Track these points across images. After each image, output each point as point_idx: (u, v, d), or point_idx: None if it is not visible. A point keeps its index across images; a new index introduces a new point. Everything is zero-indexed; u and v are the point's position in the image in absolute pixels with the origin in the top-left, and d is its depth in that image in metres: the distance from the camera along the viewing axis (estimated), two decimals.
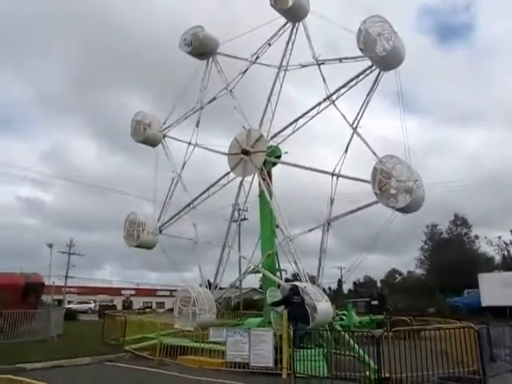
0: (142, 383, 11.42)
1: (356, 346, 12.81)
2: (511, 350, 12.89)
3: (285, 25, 18.40)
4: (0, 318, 17.94)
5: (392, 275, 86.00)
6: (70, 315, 31.47)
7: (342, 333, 13.87)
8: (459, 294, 41.90)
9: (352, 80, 16.30)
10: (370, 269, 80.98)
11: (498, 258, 63.59)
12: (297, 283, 14.74)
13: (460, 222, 64.88)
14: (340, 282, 72.58)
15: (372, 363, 11.32)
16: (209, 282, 18.91)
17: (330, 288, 77.44)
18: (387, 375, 10.58)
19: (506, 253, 62.35)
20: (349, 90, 16.61)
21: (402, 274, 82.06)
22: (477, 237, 64.40)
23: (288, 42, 18.27)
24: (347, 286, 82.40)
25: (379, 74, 15.69)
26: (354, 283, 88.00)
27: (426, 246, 66.00)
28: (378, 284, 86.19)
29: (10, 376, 9.66)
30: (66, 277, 62.31)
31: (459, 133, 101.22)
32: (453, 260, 55.97)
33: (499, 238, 61.96)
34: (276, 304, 14.44)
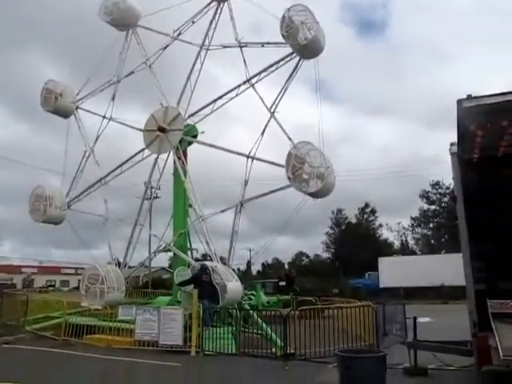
0: (41, 365, 10.95)
1: (263, 324, 13.26)
2: (401, 325, 14.08)
3: (210, 3, 18.16)
4: None
5: (299, 258, 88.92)
6: None
7: (251, 312, 14.28)
8: (362, 276, 44.71)
9: (272, 65, 16.55)
10: (278, 251, 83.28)
11: (397, 244, 68.48)
12: (207, 263, 14.93)
13: (369, 210, 68.68)
14: (249, 264, 74.06)
15: (278, 340, 11.84)
16: (118, 260, 18.52)
17: (239, 269, 78.54)
18: (292, 351, 11.13)
19: (403, 238, 67.38)
20: (269, 74, 16.88)
21: (309, 257, 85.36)
22: (380, 225, 68.76)
23: (212, 22, 18.07)
24: (256, 268, 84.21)
25: (299, 61, 16.09)
26: (263, 264, 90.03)
27: (332, 231, 69.20)
28: (286, 266, 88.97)
29: None
30: None
31: (371, 123, 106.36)
32: (357, 245, 59.38)
33: (399, 223, 66.73)
34: (184, 283, 14.55)
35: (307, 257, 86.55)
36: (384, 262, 40.67)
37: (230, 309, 13.72)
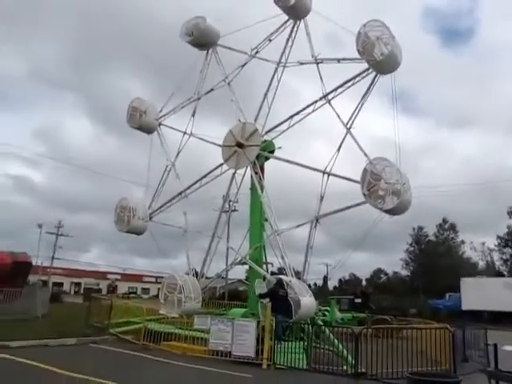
0: (125, 366, 11.63)
1: (336, 341, 13.14)
2: (483, 351, 13.30)
3: (286, 22, 18.59)
4: None
5: (377, 275, 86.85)
6: (55, 297, 31.64)
7: (323, 328, 14.19)
8: (442, 296, 42.66)
9: (349, 81, 16.54)
10: (355, 267, 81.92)
11: (481, 264, 64.63)
12: (282, 277, 15.04)
13: (448, 226, 65.61)
14: (325, 279, 73.29)
15: (350, 358, 11.68)
16: (196, 270, 19.17)
17: (315, 284, 78.32)
18: (363, 370, 10.95)
19: (489, 259, 63.40)
20: (345, 90, 16.87)
21: (388, 274, 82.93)
22: (463, 242, 65.32)
23: (288, 39, 18.47)
24: (332, 283, 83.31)
25: (375, 77, 15.97)
26: (340, 280, 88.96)
27: (412, 248, 66.77)
28: (364, 282, 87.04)
29: None
30: (53, 258, 62.14)
31: (454, 136, 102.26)
32: (438, 263, 56.81)
33: (483, 244, 62.91)
34: (263, 296, 14.70)
35: (385, 274, 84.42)
36: (467, 283, 38.54)
37: (302, 323, 13.73)
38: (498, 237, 62.27)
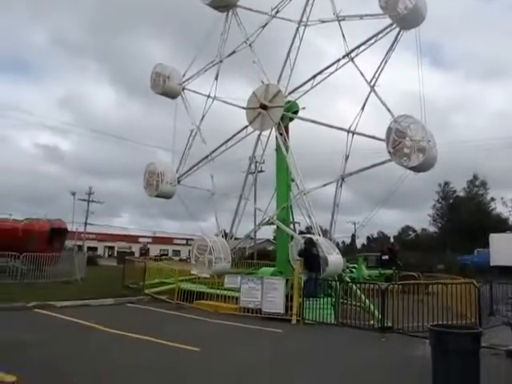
0: (162, 323, 12.30)
1: (363, 296, 13.50)
2: (511, 306, 13.48)
3: None
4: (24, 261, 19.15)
5: (406, 232, 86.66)
6: (91, 260, 32.87)
7: (351, 284, 14.56)
8: (470, 252, 42.50)
9: (371, 38, 16.20)
10: (384, 225, 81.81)
11: None
12: (310, 236, 15.36)
13: (479, 183, 64.45)
14: (353, 237, 73.60)
15: (376, 313, 12.05)
16: (225, 231, 19.66)
17: (343, 242, 78.88)
18: (390, 324, 11.31)
19: None
20: (368, 47, 16.57)
21: (416, 231, 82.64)
22: (493, 199, 64.18)
23: None
24: (361, 241, 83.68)
25: (399, 32, 15.60)
26: (368, 238, 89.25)
27: (440, 205, 66.00)
28: (392, 240, 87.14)
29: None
30: (86, 223, 64.22)
31: (487, 89, 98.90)
32: (466, 219, 56.22)
33: None
34: (299, 254, 14.82)
35: (414, 231, 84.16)
36: (496, 239, 38.19)
37: (330, 281, 14.12)
38: None
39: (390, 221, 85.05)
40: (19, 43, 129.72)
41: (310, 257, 14.17)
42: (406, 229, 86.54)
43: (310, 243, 14.60)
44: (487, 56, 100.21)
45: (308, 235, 15.89)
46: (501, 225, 58.19)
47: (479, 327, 7.98)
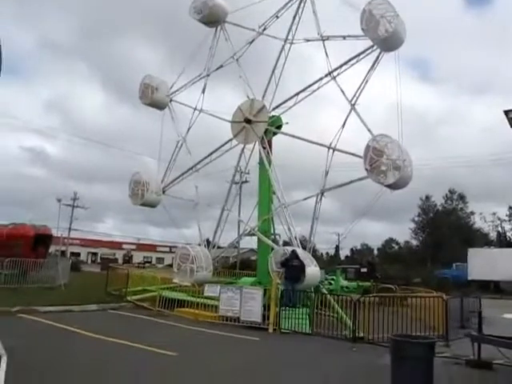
0: (143, 330, 12.66)
1: (338, 307, 14.02)
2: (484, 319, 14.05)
3: None
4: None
5: (389, 244, 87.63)
6: (75, 266, 33.01)
7: (327, 295, 15.08)
8: (449, 266, 43.33)
9: (353, 58, 16.94)
10: (368, 237, 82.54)
11: (492, 235, 64.78)
12: (288, 248, 15.88)
13: (456, 196, 65.64)
14: (337, 248, 74.35)
15: (350, 323, 12.58)
16: (208, 240, 20.09)
17: (327, 253, 79.57)
18: (362, 335, 11.84)
19: (500, 229, 63.64)
20: (350, 67, 17.27)
21: (399, 244, 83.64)
22: (472, 212, 65.37)
23: (295, 16, 18.76)
24: (345, 252, 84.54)
25: (380, 54, 16.33)
26: (351, 250, 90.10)
27: (420, 219, 66.92)
28: (375, 252, 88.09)
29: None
30: (70, 229, 63.98)
31: (474, 103, 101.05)
32: (446, 233, 57.21)
33: (494, 214, 63.05)
34: (282, 264, 15.30)
35: (397, 243, 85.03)
36: (474, 253, 38.99)
37: (307, 291, 14.62)
38: (510, 207, 62.45)
39: (375, 233, 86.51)
40: (6, 45, 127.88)
41: (291, 267, 14.66)
42: (390, 241, 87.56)
43: (293, 254, 15.11)
44: (476, 72, 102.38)
45: (290, 247, 16.38)
46: (482, 239, 59.30)
47: (433, 338, 8.54)
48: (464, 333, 12.47)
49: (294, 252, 15.24)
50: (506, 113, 5.38)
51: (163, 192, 20.66)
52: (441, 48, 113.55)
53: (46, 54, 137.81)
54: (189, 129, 21.22)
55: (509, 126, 5.63)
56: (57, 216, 55.79)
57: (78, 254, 74.77)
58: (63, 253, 54.92)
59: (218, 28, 21.06)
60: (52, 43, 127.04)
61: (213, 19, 20.88)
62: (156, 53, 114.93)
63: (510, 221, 63.07)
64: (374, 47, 16.26)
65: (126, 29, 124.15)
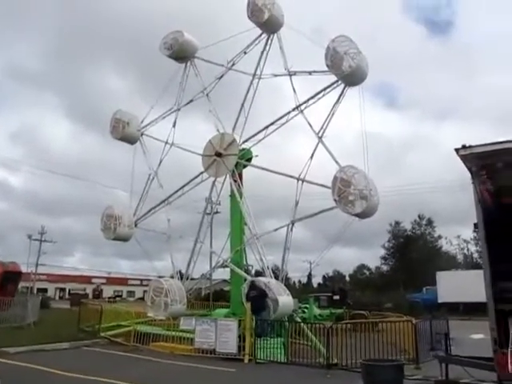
0: (119, 366, 12.60)
1: (312, 335, 14.27)
2: (452, 340, 14.53)
3: (260, 35, 19.64)
4: None
5: (361, 270, 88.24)
6: (44, 303, 32.18)
7: (300, 324, 15.33)
8: (420, 290, 44.14)
9: (319, 92, 17.71)
10: (340, 263, 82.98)
11: (460, 257, 66.25)
12: (260, 278, 16.13)
13: (426, 221, 67.12)
14: (310, 276, 74.52)
15: (324, 351, 12.84)
16: (180, 272, 20.14)
17: (300, 281, 79.55)
18: (336, 361, 12.12)
19: (466, 251, 65.17)
20: (317, 100, 18.00)
21: (371, 270, 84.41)
22: (440, 236, 66.82)
23: (262, 52, 19.59)
24: (317, 280, 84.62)
25: (344, 88, 17.12)
26: (324, 277, 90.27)
27: (390, 244, 67.94)
28: (347, 278, 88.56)
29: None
30: (37, 264, 62.21)
31: (439, 129, 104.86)
32: (416, 258, 58.32)
33: (458, 236, 64.62)
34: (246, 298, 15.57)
35: (368, 269, 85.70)
36: (442, 276, 39.96)
37: (281, 321, 14.83)
38: (474, 230, 64.09)
39: (346, 259, 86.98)
40: None
41: (253, 299, 14.87)
42: (361, 267, 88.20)
43: (251, 286, 15.35)
44: (440, 98, 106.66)
45: (258, 278, 16.61)
46: (450, 262, 60.57)
47: (401, 360, 8.89)
48: (432, 354, 12.92)
49: (252, 283, 15.50)
50: (457, 150, 5.90)
51: (135, 225, 20.73)
52: (406, 76, 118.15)
53: (12, 82, 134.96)
54: (160, 162, 21.52)
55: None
56: (22, 250, 54.50)
57: (45, 290, 72.54)
58: (28, 289, 53.45)
59: (188, 63, 21.65)
60: (18, 71, 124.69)
61: (183, 55, 21.47)
62: (125, 81, 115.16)
63: (474, 243, 64.67)
64: (339, 82, 17.06)
65: (94, 57, 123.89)
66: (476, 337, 15.37)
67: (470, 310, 34.72)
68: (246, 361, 13.32)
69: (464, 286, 36.14)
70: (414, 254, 59.89)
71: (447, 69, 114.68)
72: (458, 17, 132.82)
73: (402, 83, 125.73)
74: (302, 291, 53.95)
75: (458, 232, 69.68)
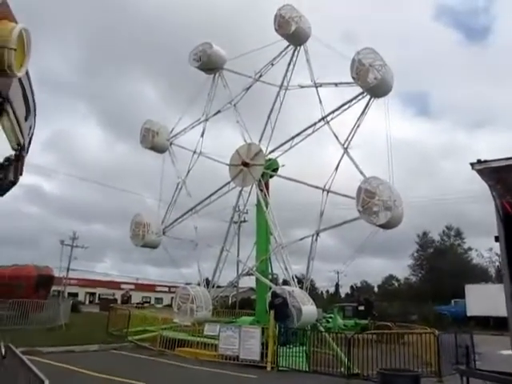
0: (145, 369, 12.98)
1: (334, 345, 14.36)
2: (479, 355, 14.38)
3: (287, 47, 20.00)
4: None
5: (389, 281, 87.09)
6: (74, 307, 33.09)
7: (324, 333, 15.43)
8: (448, 302, 43.36)
9: (345, 104, 17.88)
10: (368, 274, 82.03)
11: (492, 270, 64.61)
12: (284, 287, 16.32)
13: (454, 232, 65.84)
14: (337, 286, 74.11)
15: (346, 361, 12.92)
16: (207, 279, 20.50)
17: (327, 291, 79.13)
18: (357, 371, 12.19)
19: (498, 264, 63.49)
20: (342, 112, 18.18)
21: (399, 280, 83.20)
22: (470, 248, 65.37)
23: (289, 64, 19.93)
24: (345, 290, 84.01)
25: (369, 100, 17.26)
26: (351, 287, 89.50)
27: (418, 255, 66.79)
28: (375, 289, 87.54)
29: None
30: (68, 269, 63.70)
31: (472, 137, 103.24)
32: (445, 269, 57.25)
33: (490, 249, 63.06)
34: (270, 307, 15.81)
35: (397, 280, 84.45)
36: (471, 290, 39.23)
37: (305, 330, 14.99)
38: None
39: (375, 270, 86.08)
40: None
41: (276, 307, 15.06)
42: (390, 278, 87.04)
43: (275, 295, 15.56)
44: (474, 106, 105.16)
45: (283, 287, 16.79)
46: (482, 275, 59.16)
47: (416, 371, 8.92)
48: (453, 367, 12.83)
49: (276, 291, 15.73)
50: (472, 165, 6.04)
51: (164, 233, 21.22)
52: (436, 83, 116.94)
53: (46, 90, 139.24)
54: (188, 171, 22.01)
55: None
56: (54, 255, 55.94)
57: (76, 295, 74.17)
58: (59, 293, 54.76)
59: (217, 75, 22.14)
60: (51, 80, 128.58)
61: (211, 66, 21.97)
62: (157, 90, 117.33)
63: None
64: (364, 94, 17.21)
65: (126, 65, 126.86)
66: (506, 353, 15.18)
67: (502, 325, 33.85)
68: (269, 368, 13.51)
69: (494, 299, 35.33)
70: (443, 265, 58.73)
71: (483, 76, 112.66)
72: (496, 21, 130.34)
73: (434, 90, 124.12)
74: (329, 301, 53.67)
75: (490, 245, 67.78)
